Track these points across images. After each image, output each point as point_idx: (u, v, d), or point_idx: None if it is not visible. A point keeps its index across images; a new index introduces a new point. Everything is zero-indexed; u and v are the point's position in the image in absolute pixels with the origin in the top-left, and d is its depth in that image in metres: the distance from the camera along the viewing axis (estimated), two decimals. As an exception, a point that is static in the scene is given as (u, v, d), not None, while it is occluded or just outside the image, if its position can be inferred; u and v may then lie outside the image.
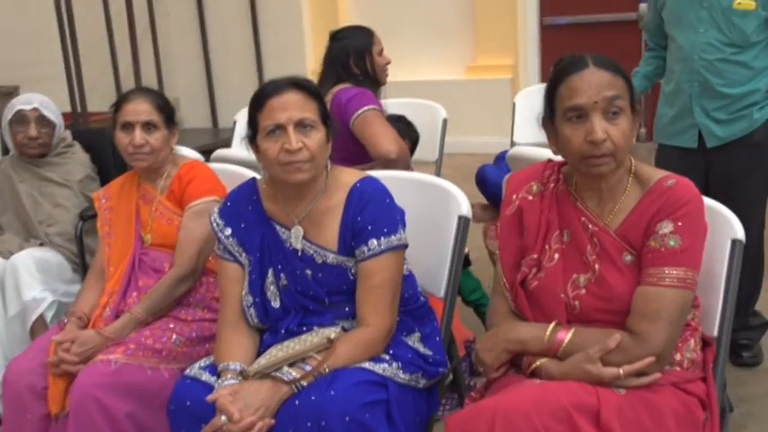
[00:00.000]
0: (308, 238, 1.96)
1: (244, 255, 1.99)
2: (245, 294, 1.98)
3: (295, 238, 1.96)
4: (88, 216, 2.78)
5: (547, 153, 2.61)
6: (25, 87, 6.71)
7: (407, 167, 2.80)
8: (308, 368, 1.79)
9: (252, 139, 1.94)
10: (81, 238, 2.76)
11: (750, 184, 2.87)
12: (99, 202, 2.52)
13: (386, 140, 2.79)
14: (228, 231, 2.00)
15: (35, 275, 2.67)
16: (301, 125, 1.86)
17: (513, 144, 4.01)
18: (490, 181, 3.21)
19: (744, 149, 2.86)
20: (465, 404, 1.87)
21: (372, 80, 3.04)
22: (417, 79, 6.90)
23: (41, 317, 2.64)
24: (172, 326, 2.28)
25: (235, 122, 4.01)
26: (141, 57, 6.97)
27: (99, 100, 6.77)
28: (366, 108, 2.86)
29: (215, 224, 2.02)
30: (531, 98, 3.76)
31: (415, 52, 7.00)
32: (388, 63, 3.11)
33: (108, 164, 3.11)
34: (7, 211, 2.91)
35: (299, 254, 1.96)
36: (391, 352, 1.90)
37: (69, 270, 2.81)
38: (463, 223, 2.13)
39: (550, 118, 1.74)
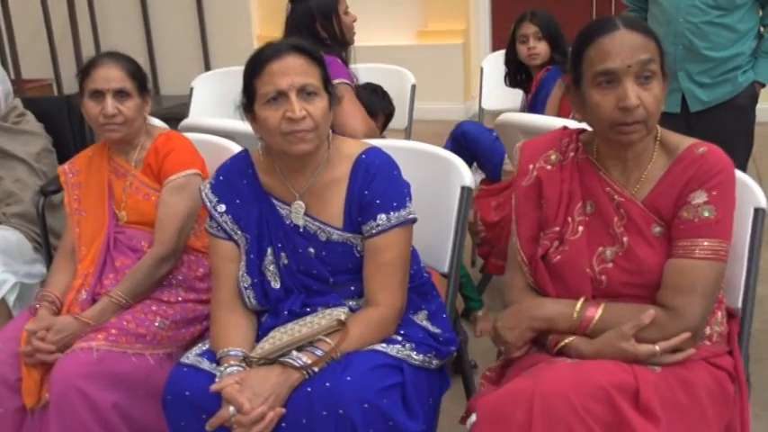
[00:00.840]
0: (310, 213, 1.83)
1: (239, 233, 1.86)
2: (243, 275, 1.85)
3: (296, 213, 1.84)
4: (49, 191, 2.58)
5: (544, 120, 2.55)
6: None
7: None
8: (319, 352, 1.68)
9: (248, 107, 1.79)
10: (44, 216, 2.56)
11: (733, 148, 2.85)
12: (65, 177, 2.34)
13: (352, 119, 2.65)
14: (222, 208, 1.86)
15: (-5, 256, 2.47)
16: (304, 92, 1.73)
17: (481, 110, 3.94)
18: (473, 136, 3.11)
19: (727, 113, 2.84)
20: (481, 384, 1.79)
21: (341, 42, 2.89)
22: (367, 44, 6.72)
23: (3, 300, 2.44)
24: (154, 309, 2.13)
25: (192, 89, 3.80)
26: (77, 17, 6.63)
27: (32, 66, 6.43)
28: (337, 81, 2.70)
29: (207, 200, 1.88)
30: (498, 63, 3.68)
31: (365, 16, 6.80)
32: (355, 21, 2.95)
33: (64, 135, 2.90)
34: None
35: (301, 231, 1.83)
36: (402, 332, 1.81)
37: (30, 249, 2.62)
38: (466, 194, 2.04)
39: (575, 83, 1.65)
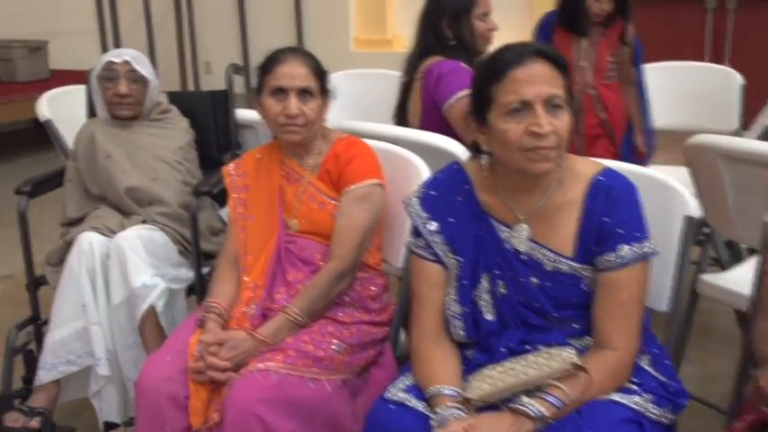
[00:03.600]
0: (535, 239, 1.63)
1: (451, 255, 1.66)
2: (452, 303, 1.66)
3: (518, 238, 1.64)
4: (203, 192, 2.42)
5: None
6: (57, 43, 6.30)
7: None
8: (555, 401, 1.47)
9: (478, 114, 1.60)
10: (195, 217, 2.39)
11: None
12: (230, 178, 2.17)
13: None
14: (434, 226, 1.67)
15: (144, 258, 2.31)
16: (549, 104, 1.53)
17: None
18: None
19: None
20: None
21: (468, 48, 2.67)
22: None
23: (151, 307, 2.28)
24: (331, 330, 1.95)
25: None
26: (172, 13, 6.57)
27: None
28: (461, 94, 2.50)
29: (416, 217, 1.69)
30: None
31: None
32: (493, 30, 2.73)
33: (207, 132, 2.75)
34: (99, 183, 2.54)
35: (524, 257, 1.63)
36: (637, 381, 1.59)
37: (176, 252, 2.46)
38: (689, 224, 1.82)
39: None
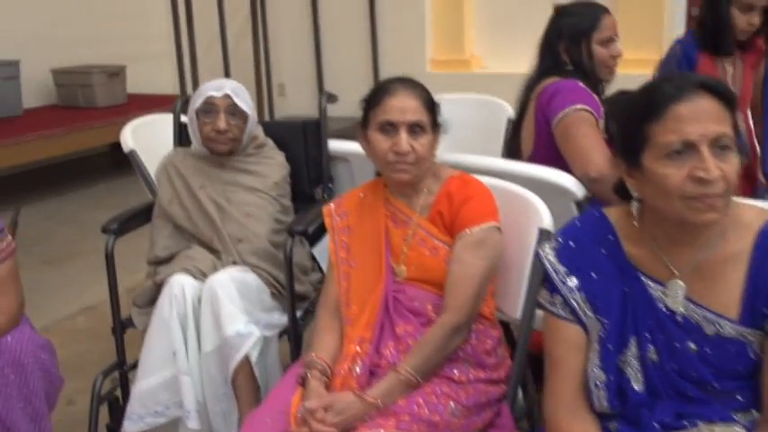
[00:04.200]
0: (693, 298, 1.42)
1: (593, 315, 1.46)
2: (593, 369, 1.45)
3: (673, 297, 1.43)
4: (297, 232, 2.26)
5: None
6: (132, 67, 6.29)
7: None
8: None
9: (629, 155, 1.40)
10: (290, 258, 2.24)
11: None
12: (331, 219, 2.01)
13: (589, 154, 2.23)
14: (574, 282, 1.47)
15: (237, 303, 2.17)
16: (717, 145, 1.32)
17: None
18: None
19: None
20: None
21: (587, 74, 2.46)
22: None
23: (245, 356, 2.13)
24: (446, 390, 1.76)
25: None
26: (246, 34, 6.52)
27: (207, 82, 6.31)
28: (571, 107, 2.30)
29: (553, 271, 1.49)
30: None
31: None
32: (616, 56, 2.49)
33: (298, 164, 2.60)
34: (189, 219, 2.41)
35: (679, 319, 1.42)
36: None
37: (268, 295, 2.31)
38: None
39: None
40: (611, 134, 2.40)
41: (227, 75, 6.26)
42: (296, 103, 7.09)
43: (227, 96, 2.39)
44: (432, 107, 1.89)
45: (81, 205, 5.44)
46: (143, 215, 2.52)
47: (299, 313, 2.32)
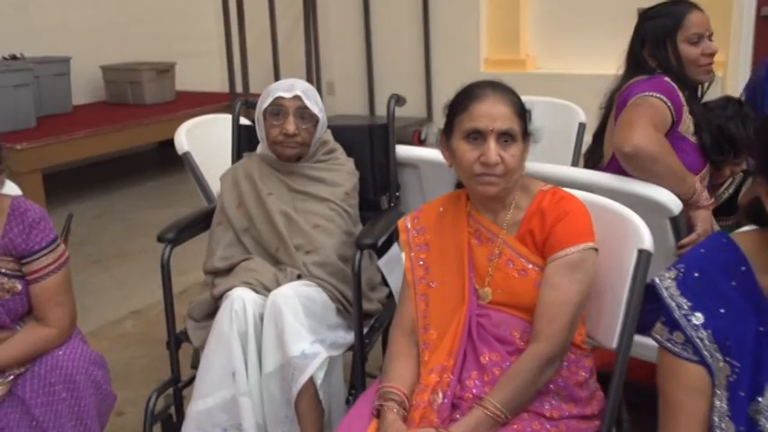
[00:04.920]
0: (842, 341, 1.23)
1: (721, 357, 1.28)
2: (720, 417, 1.28)
3: (819, 339, 1.24)
4: (366, 245, 2.10)
5: None
6: (182, 64, 6.21)
7: (658, 162, 2.02)
8: None
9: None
10: (359, 274, 2.08)
11: None
12: (407, 235, 1.85)
13: (622, 132, 2.05)
14: (699, 319, 1.29)
15: (302, 321, 2.02)
16: None
17: None
18: None
19: None
20: None
21: (678, 78, 2.26)
22: (608, 72, 6.08)
23: (310, 378, 1.99)
24: (537, 427, 1.60)
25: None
26: (296, 32, 6.40)
27: (256, 80, 6.20)
28: (644, 93, 2.13)
29: (674, 305, 1.31)
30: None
31: (607, 42, 6.16)
32: (708, 54, 2.29)
33: (363, 171, 2.44)
34: (254, 227, 2.27)
35: (827, 366, 1.24)
36: None
37: (333, 312, 2.16)
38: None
39: None
40: (702, 141, 2.21)
41: (276, 73, 6.16)
42: (345, 103, 6.96)
43: (298, 98, 2.24)
44: (523, 114, 1.72)
45: (129, 204, 5.37)
46: (201, 222, 2.38)
47: (364, 331, 2.17)
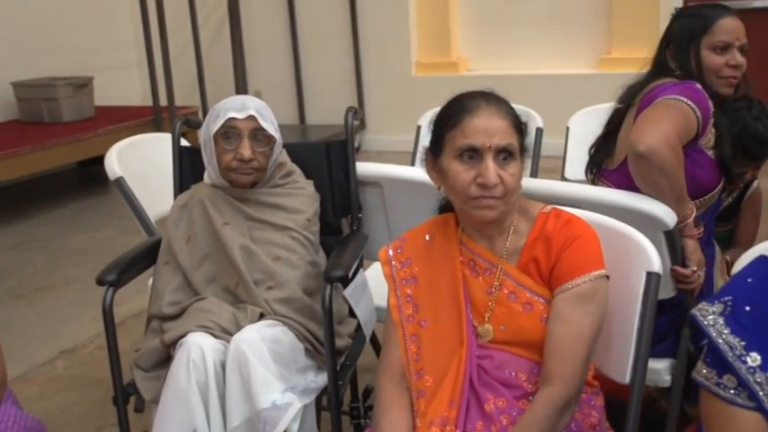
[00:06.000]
0: None
1: (782, 402, 1.12)
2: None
3: None
4: (336, 278, 1.89)
5: None
6: (100, 78, 5.85)
7: (666, 175, 1.85)
8: None
9: None
10: (330, 310, 1.86)
11: None
12: (390, 268, 1.64)
13: (643, 128, 1.87)
14: (756, 360, 1.13)
15: (271, 368, 1.80)
16: None
17: (565, 180, 2.82)
18: None
19: None
20: None
21: (699, 81, 2.07)
22: (543, 73, 6.02)
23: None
24: (554, 480, 1.41)
25: (419, 128, 3.05)
26: (215, 42, 6.13)
27: (181, 92, 5.88)
28: (675, 96, 1.94)
29: (726, 346, 1.15)
30: (589, 121, 2.69)
31: (539, 42, 6.12)
32: (732, 66, 2.10)
33: (322, 192, 2.22)
34: (207, 262, 2.03)
35: None
36: None
37: (302, 353, 1.94)
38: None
39: None
40: (722, 154, 2.06)
41: (201, 84, 5.86)
42: (274, 112, 6.64)
43: (252, 118, 2.01)
44: (520, 127, 1.53)
45: (50, 230, 4.99)
46: (145, 259, 2.12)
47: (337, 371, 1.96)
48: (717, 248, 2.22)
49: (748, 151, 2.16)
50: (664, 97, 1.97)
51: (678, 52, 2.13)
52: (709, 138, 2.05)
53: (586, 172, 2.24)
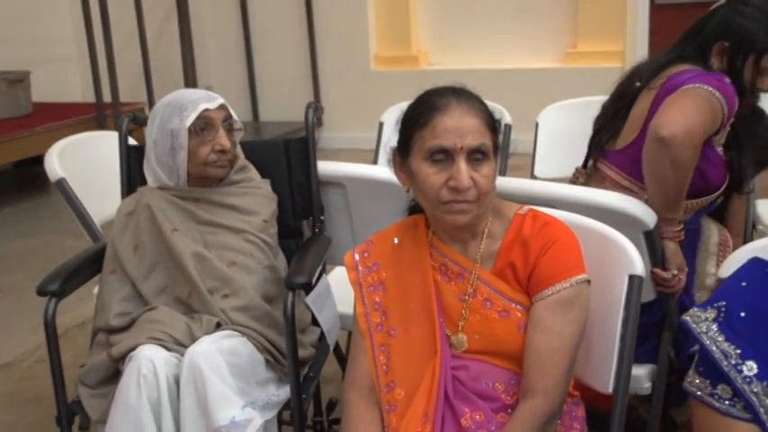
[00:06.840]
0: None
1: (778, 413, 1.05)
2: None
3: None
4: (298, 285, 1.78)
5: None
6: (38, 73, 5.62)
7: (677, 169, 1.77)
8: None
9: None
10: (293, 319, 1.74)
11: None
12: (357, 273, 1.53)
13: (673, 114, 1.77)
14: (752, 369, 1.06)
15: (229, 382, 1.67)
16: None
17: (534, 178, 2.72)
18: None
19: None
20: None
21: (740, 83, 1.95)
22: (507, 67, 5.93)
23: (245, 450, 1.64)
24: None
25: (381, 125, 2.94)
26: (161, 36, 5.93)
27: (126, 88, 5.66)
28: (708, 87, 1.82)
29: (721, 355, 1.07)
30: (560, 117, 2.70)
31: (502, 35, 6.02)
32: None
33: (281, 193, 2.11)
34: (157, 271, 1.89)
35: None
36: None
37: (263, 365, 1.82)
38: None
39: None
40: (741, 156, 1.97)
41: (147, 79, 5.66)
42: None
43: (223, 107, 1.94)
44: (493, 125, 1.43)
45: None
46: (89, 267, 1.98)
47: (299, 383, 1.84)
48: (708, 227, 2.07)
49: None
50: (694, 85, 1.84)
51: (732, 54, 1.94)
52: (722, 134, 1.94)
53: (587, 156, 2.13)
